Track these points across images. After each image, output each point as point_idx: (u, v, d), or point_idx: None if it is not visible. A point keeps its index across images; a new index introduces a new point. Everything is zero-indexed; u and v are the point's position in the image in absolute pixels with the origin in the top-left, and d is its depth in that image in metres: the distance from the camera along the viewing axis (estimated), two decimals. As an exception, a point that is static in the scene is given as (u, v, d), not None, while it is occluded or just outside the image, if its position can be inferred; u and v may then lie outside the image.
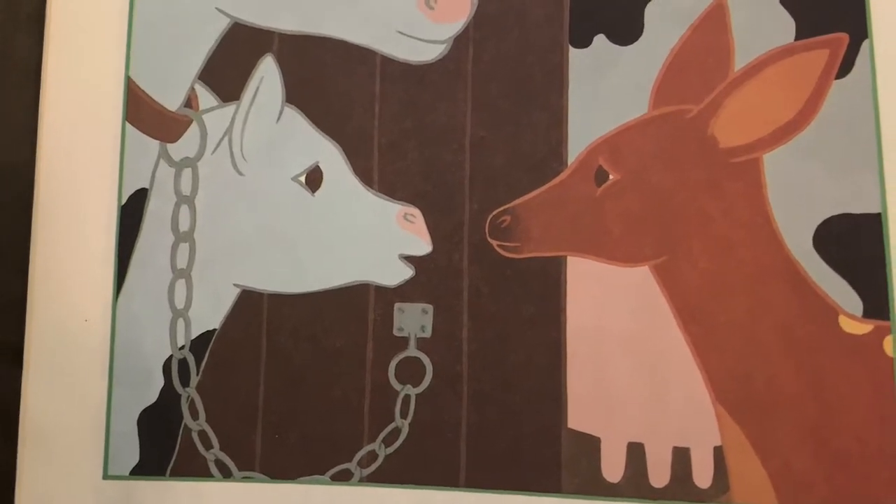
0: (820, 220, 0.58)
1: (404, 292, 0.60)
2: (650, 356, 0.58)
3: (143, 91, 0.63)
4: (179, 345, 0.61)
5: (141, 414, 0.60)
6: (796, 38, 0.59)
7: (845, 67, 0.59)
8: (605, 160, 0.60)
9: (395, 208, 0.61)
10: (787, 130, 0.59)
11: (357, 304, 0.61)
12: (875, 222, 0.57)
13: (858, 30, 0.59)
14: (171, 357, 0.61)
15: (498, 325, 0.60)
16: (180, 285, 0.61)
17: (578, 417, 0.58)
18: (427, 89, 0.62)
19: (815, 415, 0.56)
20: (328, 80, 0.63)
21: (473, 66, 0.62)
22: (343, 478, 0.59)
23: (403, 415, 0.60)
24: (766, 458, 0.56)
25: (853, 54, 0.59)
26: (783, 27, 0.60)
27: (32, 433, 0.60)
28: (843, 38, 0.59)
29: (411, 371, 0.60)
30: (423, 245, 0.61)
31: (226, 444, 0.60)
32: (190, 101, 0.63)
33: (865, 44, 0.59)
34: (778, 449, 0.56)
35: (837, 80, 0.59)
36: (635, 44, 0.61)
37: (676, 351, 0.58)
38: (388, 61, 0.63)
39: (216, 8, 0.63)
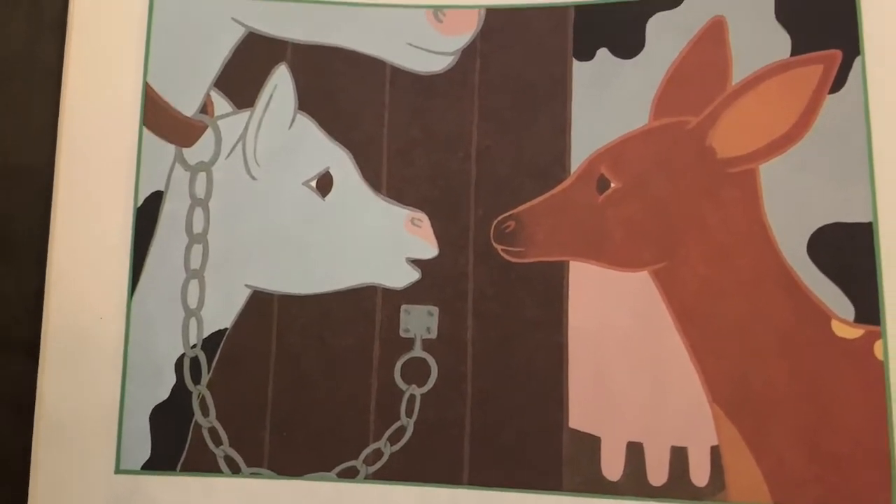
0: (814, 229, 0.59)
1: (411, 294, 0.62)
2: (649, 358, 0.59)
3: (160, 97, 0.64)
4: (191, 343, 0.62)
5: (153, 410, 0.61)
6: (792, 54, 0.61)
7: (839, 82, 0.60)
8: (607, 169, 0.61)
9: (403, 213, 0.62)
10: (783, 142, 0.60)
11: (365, 305, 0.62)
12: (866, 231, 0.58)
13: (851, 47, 0.60)
14: (183, 355, 0.62)
15: (502, 327, 0.61)
16: (193, 285, 0.62)
17: (579, 417, 0.59)
18: (435, 99, 0.64)
19: (809, 416, 0.57)
20: (339, 88, 0.64)
21: (480, 77, 0.64)
22: (349, 475, 0.60)
23: (409, 414, 0.61)
24: (760, 457, 0.57)
25: (846, 70, 0.60)
26: (779, 43, 0.61)
27: (47, 427, 0.61)
28: (837, 54, 0.60)
29: (417, 371, 0.61)
30: (429, 249, 0.62)
31: (235, 441, 0.61)
32: (205, 108, 0.64)
33: (858, 60, 0.60)
34: (772, 448, 0.57)
35: (831, 95, 0.60)
36: (637, 57, 0.62)
37: (675, 353, 0.59)
38: (397, 71, 0.64)
39: (232, 18, 0.65)
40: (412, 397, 0.61)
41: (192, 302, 0.62)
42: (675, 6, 0.63)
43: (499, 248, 0.62)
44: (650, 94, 0.62)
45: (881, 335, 0.57)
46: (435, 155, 0.63)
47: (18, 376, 0.62)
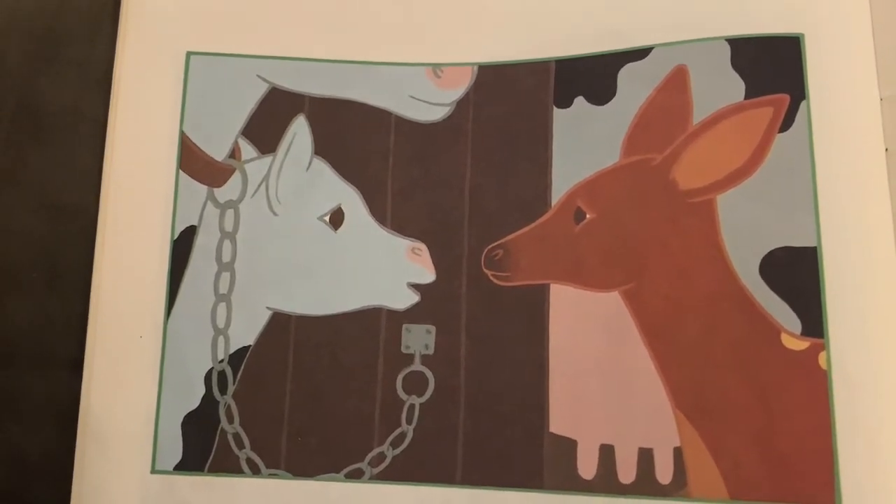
0: (765, 252, 0.62)
1: (411, 315, 0.65)
2: (619, 369, 0.62)
3: (194, 144, 0.68)
4: (219, 359, 0.65)
5: (185, 417, 0.64)
6: (746, 98, 0.64)
7: (787, 123, 0.63)
8: (583, 202, 0.65)
9: (405, 243, 0.66)
10: (738, 175, 0.63)
11: (370, 325, 0.65)
12: (812, 254, 0.61)
13: (798, 92, 0.63)
14: (211, 369, 0.65)
15: (491, 344, 0.64)
16: (221, 308, 0.66)
17: (558, 422, 0.62)
18: (433, 144, 0.67)
19: (760, 420, 0.60)
20: (350, 135, 0.68)
21: (473, 125, 0.67)
22: (356, 476, 0.63)
23: (409, 421, 0.64)
24: (718, 457, 0.60)
25: (793, 112, 0.63)
26: (734, 88, 0.64)
27: (91, 432, 0.64)
28: (785, 98, 0.63)
29: (416, 383, 0.64)
30: (428, 275, 0.66)
31: (256, 445, 0.64)
32: (234, 153, 0.68)
33: (804, 104, 0.63)
34: (729, 449, 0.60)
35: (780, 134, 0.63)
36: (609, 103, 0.66)
37: (642, 364, 0.62)
38: (401, 120, 0.68)
39: (257, 75, 0.69)
40: (412, 406, 0.64)
41: (221, 322, 0.66)
42: (643, 58, 0.66)
43: (489, 273, 0.65)
44: (621, 135, 0.65)
45: (825, 347, 0.60)
46: (433, 192, 0.67)
47: (64, 388, 0.65)
